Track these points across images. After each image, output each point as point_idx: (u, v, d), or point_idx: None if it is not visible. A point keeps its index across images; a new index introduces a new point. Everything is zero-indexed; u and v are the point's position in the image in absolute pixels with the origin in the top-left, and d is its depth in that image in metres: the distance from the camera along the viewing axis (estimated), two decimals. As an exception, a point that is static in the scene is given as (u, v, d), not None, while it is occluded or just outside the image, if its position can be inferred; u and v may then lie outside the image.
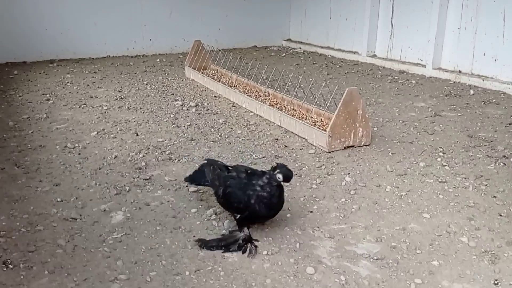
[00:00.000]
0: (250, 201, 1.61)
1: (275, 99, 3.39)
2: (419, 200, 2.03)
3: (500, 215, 1.91)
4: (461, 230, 1.79)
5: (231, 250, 1.62)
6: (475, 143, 2.72)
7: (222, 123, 3.06)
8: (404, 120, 3.15)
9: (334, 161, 2.45)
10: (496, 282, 1.49)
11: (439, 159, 2.48)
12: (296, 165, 2.40)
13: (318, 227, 1.82)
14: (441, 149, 2.61)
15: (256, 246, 1.64)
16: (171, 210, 1.93)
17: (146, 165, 2.36)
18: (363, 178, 2.25)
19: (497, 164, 2.42)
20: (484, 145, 2.69)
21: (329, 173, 2.31)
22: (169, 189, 2.11)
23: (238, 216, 1.68)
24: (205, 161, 1.97)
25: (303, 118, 2.90)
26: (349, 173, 2.30)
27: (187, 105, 3.45)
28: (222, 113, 3.29)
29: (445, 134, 2.88)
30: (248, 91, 3.63)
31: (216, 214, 1.88)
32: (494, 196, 2.07)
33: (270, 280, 1.49)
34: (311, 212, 1.94)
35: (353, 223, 1.85)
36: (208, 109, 3.38)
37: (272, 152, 2.57)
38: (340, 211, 1.95)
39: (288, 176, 1.61)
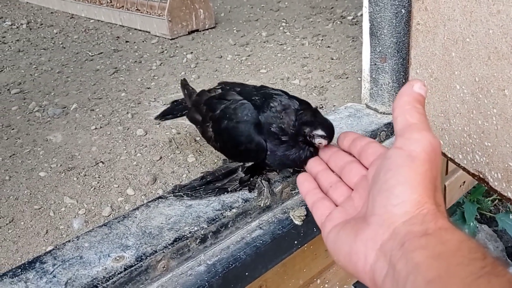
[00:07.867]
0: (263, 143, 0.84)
1: (117, 4, 3.11)
2: (258, 61, 2.03)
3: (332, 59, 1.99)
4: (294, 75, 1.83)
5: (228, 189, 0.90)
6: (316, 11, 2.78)
7: (57, 33, 2.75)
8: (252, 4, 3.11)
9: (178, 45, 2.35)
10: (321, 106, 1.55)
11: (281, 28, 2.50)
12: (137, 54, 2.25)
13: (155, 98, 1.73)
14: (284, 20, 2.63)
15: (269, 181, 0.92)
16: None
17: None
18: (205, 54, 2.19)
19: (334, 23, 2.50)
20: (325, 12, 2.76)
21: (171, 55, 2.21)
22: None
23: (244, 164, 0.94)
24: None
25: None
26: (191, 52, 2.22)
27: (18, 23, 3.05)
28: (58, 25, 2.96)
29: (289, 9, 2.90)
30: (88, 1, 3.29)
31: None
32: (328, 47, 2.15)
33: (96, 147, 1.39)
34: (149, 88, 1.84)
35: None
36: (42, 24, 3.02)
37: (112, 48, 2.38)
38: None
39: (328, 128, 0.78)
